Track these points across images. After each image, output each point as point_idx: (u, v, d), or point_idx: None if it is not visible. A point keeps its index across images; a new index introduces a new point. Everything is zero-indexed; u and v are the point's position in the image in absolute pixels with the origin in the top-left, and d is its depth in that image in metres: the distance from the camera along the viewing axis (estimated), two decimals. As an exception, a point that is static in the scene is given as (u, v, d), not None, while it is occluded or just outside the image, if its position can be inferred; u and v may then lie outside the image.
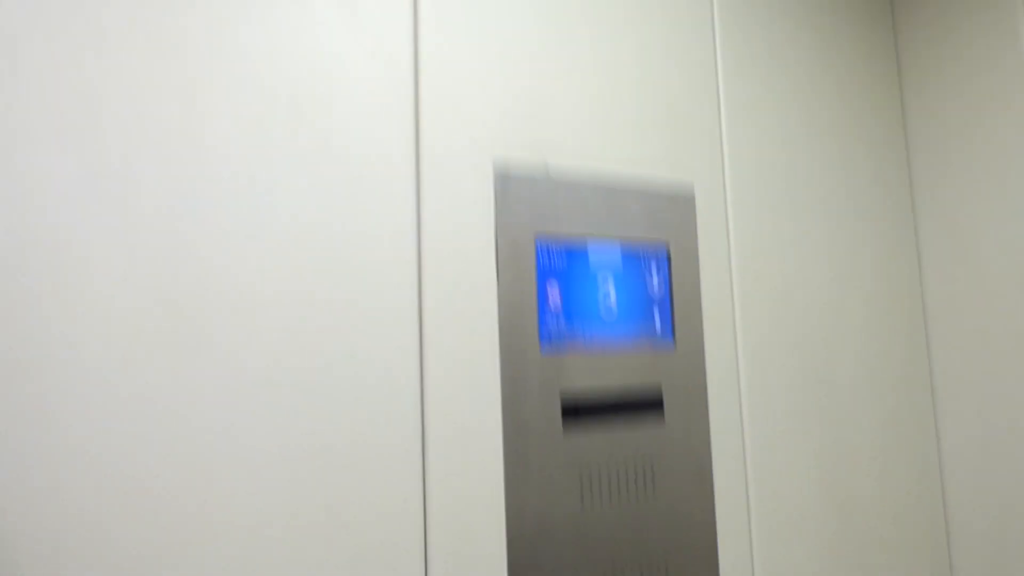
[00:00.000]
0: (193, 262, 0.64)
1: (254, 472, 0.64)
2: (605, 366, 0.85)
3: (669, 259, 0.94)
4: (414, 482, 0.72)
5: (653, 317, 0.90)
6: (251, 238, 0.67)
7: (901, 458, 1.15)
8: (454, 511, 0.73)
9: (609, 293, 0.87)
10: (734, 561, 0.93)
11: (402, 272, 0.74)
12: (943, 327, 1.19)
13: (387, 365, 0.72)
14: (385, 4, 0.77)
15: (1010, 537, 1.08)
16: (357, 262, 0.72)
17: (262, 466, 0.64)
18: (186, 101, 0.65)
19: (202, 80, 0.66)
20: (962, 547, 1.15)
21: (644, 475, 0.86)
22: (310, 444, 0.67)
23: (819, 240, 1.11)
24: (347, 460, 0.68)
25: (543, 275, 0.82)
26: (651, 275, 0.91)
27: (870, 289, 1.16)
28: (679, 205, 0.96)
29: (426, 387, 0.73)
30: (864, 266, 1.16)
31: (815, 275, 1.10)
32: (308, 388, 0.67)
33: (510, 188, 0.83)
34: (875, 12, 1.26)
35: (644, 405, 0.88)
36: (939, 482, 1.19)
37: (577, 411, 0.82)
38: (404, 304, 0.74)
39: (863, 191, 1.18)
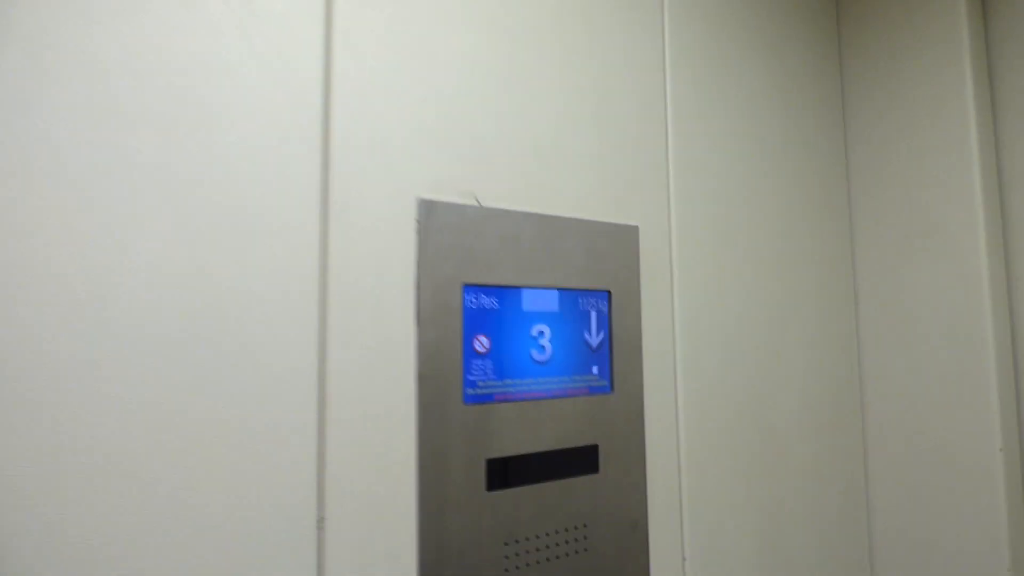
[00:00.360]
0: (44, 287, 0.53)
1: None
2: (538, 417, 0.79)
3: (610, 306, 0.88)
4: (309, 558, 0.63)
5: (591, 364, 0.85)
6: (115, 286, 0.56)
7: (832, 505, 1.15)
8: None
9: (544, 340, 0.80)
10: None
11: (304, 319, 0.65)
12: (876, 370, 1.21)
13: (276, 420, 0.63)
14: (291, 8, 0.67)
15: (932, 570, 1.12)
16: (247, 307, 0.62)
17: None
18: (31, 107, 0.54)
19: (51, 88, 0.55)
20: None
21: (576, 532, 0.81)
22: (192, 520, 0.58)
23: (761, 287, 1.09)
24: (234, 531, 0.60)
25: (470, 323, 0.75)
26: (590, 322, 0.86)
27: (809, 335, 1.16)
28: (622, 250, 0.91)
29: (327, 449, 0.65)
30: (804, 312, 1.16)
31: (756, 321, 1.08)
32: (189, 461, 0.59)
33: (435, 229, 0.75)
34: (825, 67, 1.26)
35: (578, 456, 0.83)
36: (866, 531, 1.20)
37: (505, 466, 0.76)
38: (301, 348, 0.66)
39: (805, 239, 1.18)
